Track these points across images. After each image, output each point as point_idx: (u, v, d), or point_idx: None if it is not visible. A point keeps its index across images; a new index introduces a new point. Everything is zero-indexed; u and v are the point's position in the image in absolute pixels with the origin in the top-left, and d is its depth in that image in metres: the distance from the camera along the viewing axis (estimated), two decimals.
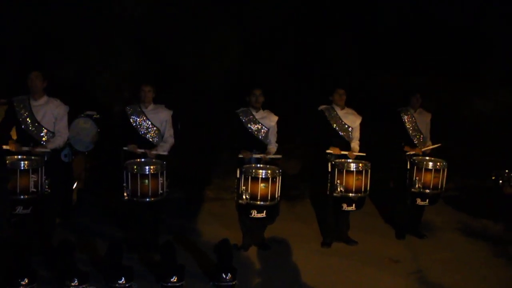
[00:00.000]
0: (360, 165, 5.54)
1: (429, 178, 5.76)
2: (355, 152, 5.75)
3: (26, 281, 4.32)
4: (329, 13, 10.14)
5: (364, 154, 5.74)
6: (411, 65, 9.82)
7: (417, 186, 5.79)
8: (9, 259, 4.55)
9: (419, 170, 5.81)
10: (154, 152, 5.32)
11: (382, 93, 9.56)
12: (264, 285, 4.77)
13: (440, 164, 5.82)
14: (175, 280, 4.51)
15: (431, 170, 5.77)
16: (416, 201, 5.87)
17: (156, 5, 8.94)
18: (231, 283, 4.55)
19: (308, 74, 9.80)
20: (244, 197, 5.16)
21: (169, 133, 5.51)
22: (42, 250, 5.06)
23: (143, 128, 5.43)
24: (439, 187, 5.82)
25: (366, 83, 9.73)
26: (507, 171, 6.71)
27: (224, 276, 4.56)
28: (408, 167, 5.90)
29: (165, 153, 5.38)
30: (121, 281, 4.43)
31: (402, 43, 10.23)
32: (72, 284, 4.37)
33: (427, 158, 5.99)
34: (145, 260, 5.09)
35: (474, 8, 10.44)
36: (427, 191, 5.79)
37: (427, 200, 5.87)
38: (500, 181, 6.79)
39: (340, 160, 5.65)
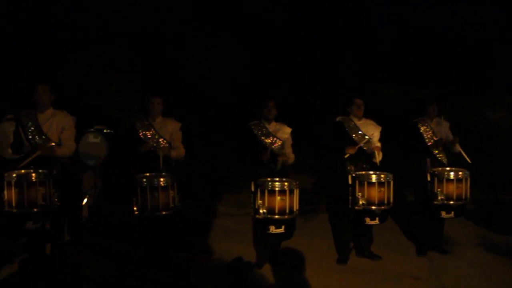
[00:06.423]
0: (382, 176, 5.30)
1: (451, 188, 5.50)
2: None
3: None
4: (332, 28, 10.15)
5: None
6: (416, 78, 9.74)
7: (439, 198, 5.52)
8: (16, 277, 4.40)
9: (440, 181, 5.55)
10: (165, 151, 5.18)
11: (390, 106, 9.46)
12: None
13: (462, 173, 5.57)
14: None
15: (453, 180, 5.53)
16: (441, 214, 5.58)
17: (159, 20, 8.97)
18: None
19: (313, 87, 9.74)
20: (261, 211, 4.88)
21: (178, 142, 5.38)
22: (51, 267, 4.88)
23: (152, 142, 5.28)
24: (463, 197, 5.56)
25: (372, 97, 9.63)
26: None
27: None
28: (429, 179, 5.66)
29: (179, 157, 5.30)
30: None
31: (405, 56, 10.18)
32: None
33: (448, 168, 5.75)
34: (156, 279, 4.90)
35: (476, 19, 10.44)
36: (451, 202, 5.52)
37: (452, 213, 5.58)
38: None
39: (360, 172, 5.45)
